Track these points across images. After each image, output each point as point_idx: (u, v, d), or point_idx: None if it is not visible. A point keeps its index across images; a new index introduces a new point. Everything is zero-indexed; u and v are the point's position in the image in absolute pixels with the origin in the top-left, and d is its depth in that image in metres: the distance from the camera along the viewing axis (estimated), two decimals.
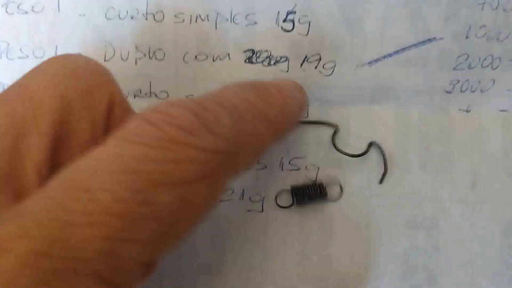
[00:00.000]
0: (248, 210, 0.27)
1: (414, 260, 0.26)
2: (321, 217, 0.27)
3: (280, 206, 0.27)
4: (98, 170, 0.16)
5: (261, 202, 0.27)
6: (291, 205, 0.27)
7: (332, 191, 0.27)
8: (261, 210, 0.27)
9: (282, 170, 0.27)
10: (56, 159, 0.19)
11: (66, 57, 0.21)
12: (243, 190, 0.27)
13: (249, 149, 0.20)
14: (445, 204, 0.27)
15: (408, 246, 0.26)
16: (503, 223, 0.26)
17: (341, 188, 0.27)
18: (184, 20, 0.26)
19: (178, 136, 0.17)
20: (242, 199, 0.27)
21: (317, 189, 0.26)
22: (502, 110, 0.27)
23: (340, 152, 0.26)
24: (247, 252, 0.27)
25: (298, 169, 0.27)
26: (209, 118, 0.18)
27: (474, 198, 0.27)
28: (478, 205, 0.26)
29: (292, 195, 0.27)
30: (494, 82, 0.26)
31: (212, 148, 0.17)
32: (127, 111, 0.21)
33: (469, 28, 0.25)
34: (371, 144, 0.26)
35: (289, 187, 0.27)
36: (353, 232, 0.27)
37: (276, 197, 0.27)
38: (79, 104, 0.19)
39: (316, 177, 0.27)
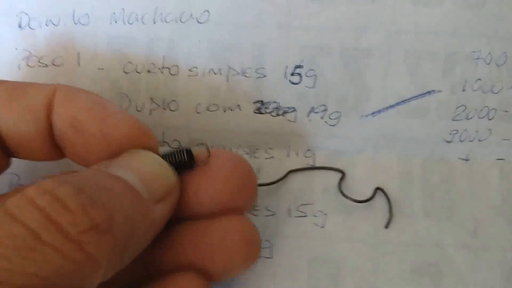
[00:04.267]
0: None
1: None
2: (330, 263, 0.27)
3: None
4: None
5: (270, 248, 0.28)
6: None
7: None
8: (271, 256, 0.28)
9: (290, 216, 0.28)
10: None
11: None
12: None
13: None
14: (448, 250, 0.27)
15: None
16: (505, 268, 0.27)
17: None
18: (197, 73, 0.27)
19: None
20: None
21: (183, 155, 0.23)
22: (499, 159, 0.28)
23: (347, 198, 0.27)
24: None
25: (306, 216, 0.28)
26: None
27: (475, 244, 0.27)
28: (480, 251, 0.27)
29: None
30: (491, 132, 0.28)
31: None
32: None
33: (465, 82, 0.27)
34: (376, 190, 0.27)
35: None
36: (359, 278, 0.27)
37: None
38: None
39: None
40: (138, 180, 0.21)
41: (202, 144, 0.24)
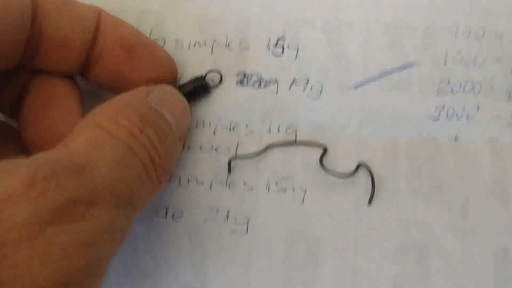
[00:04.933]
0: (232, 232, 0.27)
1: None
2: (309, 241, 0.26)
3: None
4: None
5: (246, 224, 0.26)
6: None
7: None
8: (246, 232, 0.26)
9: (268, 191, 0.27)
10: None
11: None
12: (228, 212, 0.27)
13: None
14: (435, 230, 0.26)
15: (397, 274, 0.25)
16: (497, 251, 0.25)
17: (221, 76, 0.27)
18: (183, 46, 0.28)
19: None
20: (227, 221, 0.27)
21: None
22: (491, 139, 0.27)
23: (328, 173, 0.26)
24: (230, 273, 0.26)
25: (285, 191, 0.27)
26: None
27: (465, 225, 0.26)
28: (470, 232, 0.25)
29: None
30: (478, 108, 0.27)
31: None
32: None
33: (446, 55, 0.27)
34: (359, 166, 0.26)
35: None
36: (340, 257, 0.26)
37: None
38: None
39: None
40: (173, 120, 0.23)
41: (213, 70, 0.27)
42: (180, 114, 0.24)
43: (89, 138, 0.19)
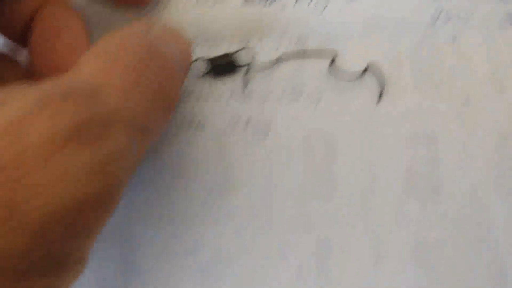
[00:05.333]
0: (253, 138, 0.28)
1: (417, 173, 0.27)
2: (325, 139, 0.28)
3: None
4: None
5: (265, 130, 0.28)
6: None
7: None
8: (266, 137, 0.28)
9: (283, 100, 0.29)
10: None
11: None
12: (247, 120, 0.29)
13: None
14: (441, 121, 0.28)
15: (409, 161, 0.27)
16: (498, 133, 0.27)
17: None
18: None
19: None
20: (247, 128, 0.29)
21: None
22: (486, 37, 0.29)
23: (338, 78, 0.28)
24: (254, 172, 0.28)
25: (299, 99, 0.29)
26: None
27: (468, 113, 0.28)
28: (473, 120, 0.28)
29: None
30: (473, 11, 0.29)
31: None
32: None
33: None
34: (367, 68, 0.28)
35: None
36: (355, 151, 0.28)
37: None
38: None
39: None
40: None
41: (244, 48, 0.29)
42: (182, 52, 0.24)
43: (100, 65, 0.19)
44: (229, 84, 0.29)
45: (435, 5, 0.29)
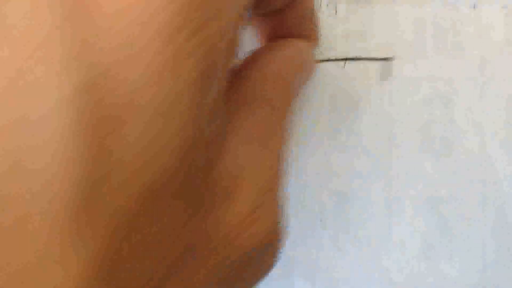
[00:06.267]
0: None
1: (432, 132, 0.30)
2: (349, 101, 0.31)
3: None
4: None
5: None
6: None
7: None
8: None
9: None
10: None
11: None
12: None
13: None
14: (457, 84, 0.30)
15: (426, 118, 0.30)
16: (508, 94, 0.30)
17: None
18: None
19: None
20: None
21: None
22: (504, 7, 0.31)
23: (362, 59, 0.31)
24: None
25: (327, 60, 0.31)
26: None
27: (482, 77, 0.30)
28: (487, 83, 0.30)
29: None
30: None
31: None
32: None
33: None
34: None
35: None
36: (378, 112, 0.30)
37: None
38: None
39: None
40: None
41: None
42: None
43: None
44: None
45: None
